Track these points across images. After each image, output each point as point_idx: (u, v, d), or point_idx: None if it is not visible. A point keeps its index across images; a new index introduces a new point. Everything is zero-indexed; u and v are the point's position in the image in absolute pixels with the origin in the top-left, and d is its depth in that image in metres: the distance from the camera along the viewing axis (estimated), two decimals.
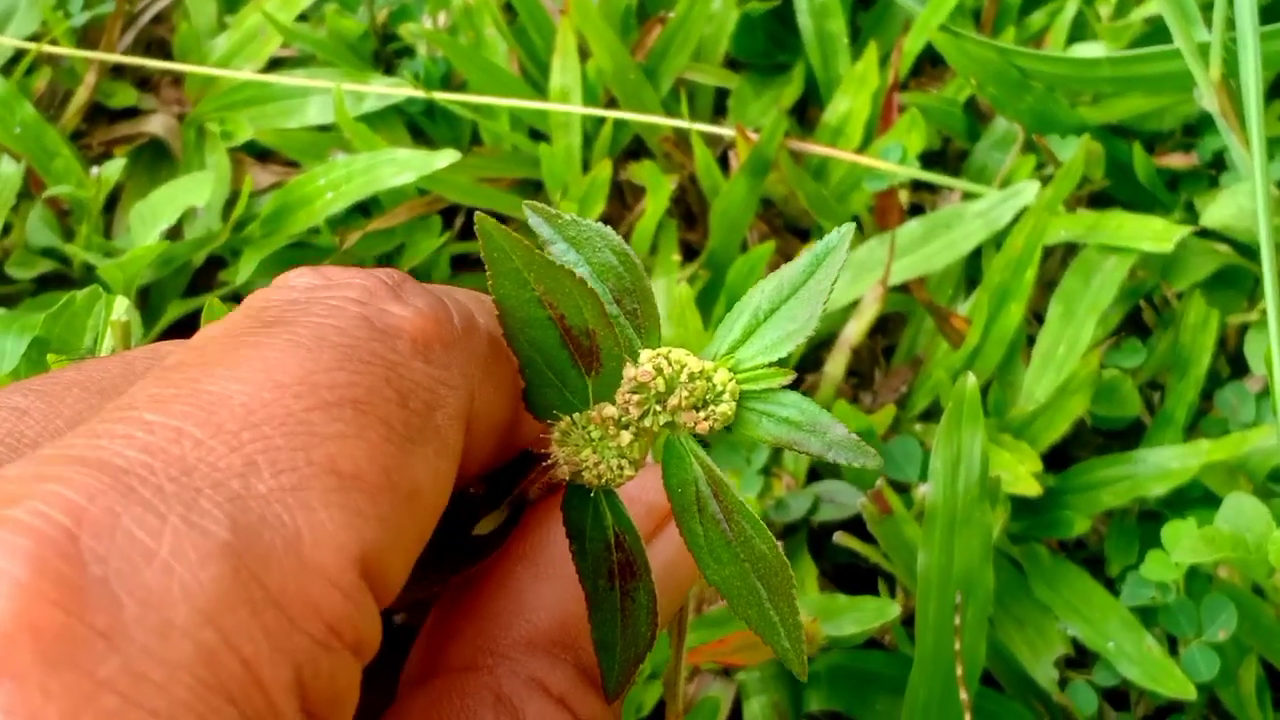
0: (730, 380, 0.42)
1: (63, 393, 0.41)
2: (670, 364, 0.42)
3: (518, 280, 0.41)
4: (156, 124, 1.13)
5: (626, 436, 0.42)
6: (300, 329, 0.37)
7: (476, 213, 0.41)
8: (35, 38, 1.14)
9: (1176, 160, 1.00)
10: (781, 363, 0.42)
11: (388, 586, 0.35)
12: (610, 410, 0.42)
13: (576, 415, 0.42)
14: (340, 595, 0.32)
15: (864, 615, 0.81)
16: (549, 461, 0.42)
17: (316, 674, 0.32)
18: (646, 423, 0.42)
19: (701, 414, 0.42)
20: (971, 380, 0.76)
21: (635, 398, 0.41)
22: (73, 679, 0.28)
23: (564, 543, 0.43)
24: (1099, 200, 1.00)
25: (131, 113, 1.16)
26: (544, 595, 0.43)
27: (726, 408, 0.42)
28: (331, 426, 0.34)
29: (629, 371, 0.41)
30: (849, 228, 0.43)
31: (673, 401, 0.41)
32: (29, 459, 0.32)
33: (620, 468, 0.42)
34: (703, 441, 0.43)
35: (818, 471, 0.92)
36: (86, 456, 0.31)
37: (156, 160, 1.13)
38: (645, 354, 0.42)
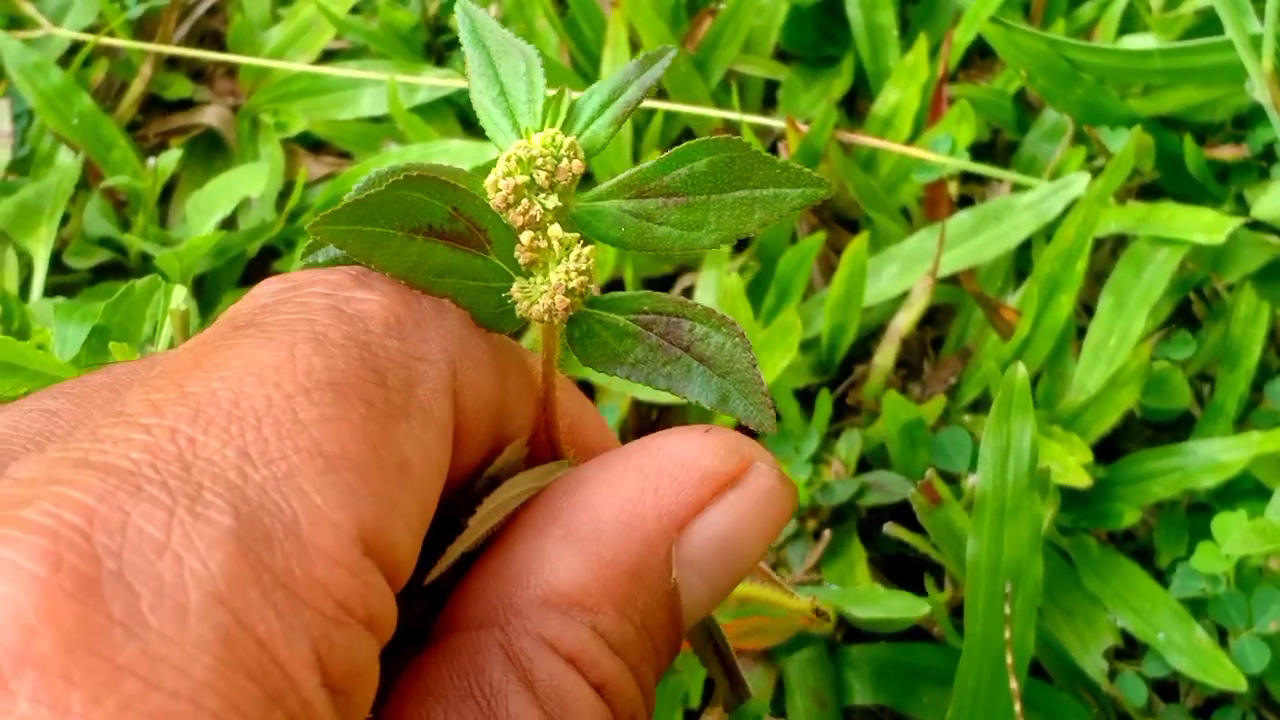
0: (554, 132, 0.43)
1: (92, 395, 0.43)
2: (514, 160, 0.42)
3: (382, 247, 0.42)
4: (211, 115, 1.14)
5: (555, 230, 0.42)
6: (271, 326, 0.38)
7: (309, 225, 0.42)
8: (92, 30, 1.16)
9: (1227, 152, 0.99)
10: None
11: (397, 562, 0.36)
12: (523, 235, 0.42)
13: (517, 277, 0.43)
14: (345, 572, 0.34)
15: (898, 606, 0.82)
16: (556, 318, 0.43)
17: (333, 649, 0.33)
18: (546, 209, 0.42)
19: (565, 161, 0.42)
20: (1022, 370, 0.76)
21: (522, 206, 0.42)
22: (94, 665, 0.29)
23: (593, 505, 0.44)
24: (1148, 192, 0.99)
25: (186, 104, 1.18)
26: (565, 556, 0.43)
27: (571, 140, 0.43)
28: (313, 411, 0.35)
29: (494, 197, 0.42)
30: (673, 50, 0.45)
31: (543, 176, 0.42)
32: (35, 460, 0.33)
33: (581, 258, 0.42)
34: None
35: (868, 461, 0.93)
36: (92, 460, 0.32)
37: (211, 151, 1.14)
38: (490, 178, 0.43)
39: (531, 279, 0.43)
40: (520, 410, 0.46)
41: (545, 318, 0.43)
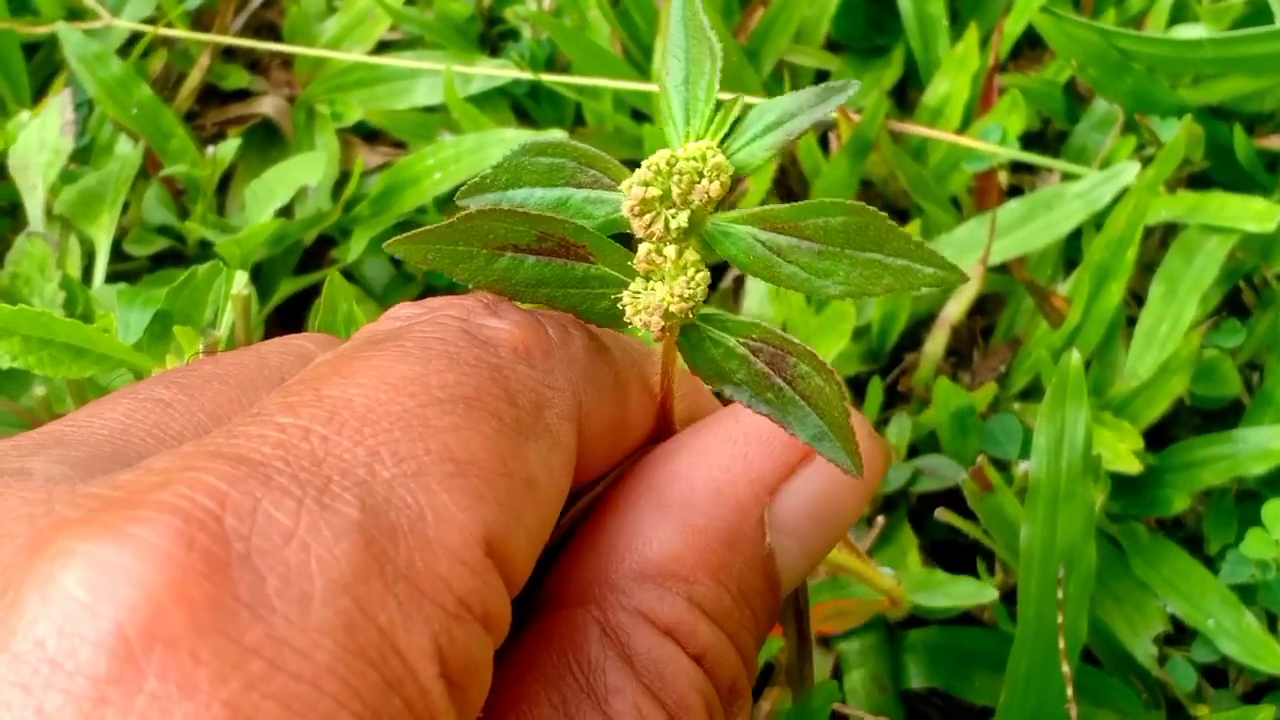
0: (699, 144, 0.43)
1: (203, 386, 0.44)
2: (652, 170, 0.42)
3: (465, 263, 0.43)
4: (267, 105, 1.16)
5: (671, 250, 0.42)
6: (407, 342, 0.39)
7: (386, 244, 0.43)
8: (151, 21, 1.17)
9: (1277, 142, 0.99)
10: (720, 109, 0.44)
11: (514, 571, 0.37)
12: (642, 248, 0.43)
13: (631, 284, 0.43)
14: (467, 570, 0.34)
15: (962, 592, 0.83)
16: (655, 334, 0.43)
17: (452, 642, 0.34)
18: (674, 227, 0.42)
19: (705, 181, 0.42)
20: (1076, 357, 0.77)
21: (648, 218, 0.42)
22: (221, 644, 0.30)
23: (684, 474, 0.44)
24: (1196, 182, 1.00)
25: (243, 94, 1.19)
26: (659, 527, 0.44)
27: (716, 160, 0.42)
28: (445, 419, 0.36)
29: (626, 205, 0.42)
30: (856, 84, 0.44)
31: (678, 191, 0.42)
32: (172, 453, 0.35)
33: (692, 280, 0.43)
34: None
35: (916, 447, 0.93)
36: (225, 451, 0.34)
37: (267, 141, 1.16)
38: (627, 181, 0.43)
39: (646, 286, 0.43)
40: (641, 421, 0.47)
41: (642, 329, 0.43)
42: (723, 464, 0.45)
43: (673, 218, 0.42)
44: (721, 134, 0.43)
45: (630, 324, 0.43)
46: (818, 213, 0.41)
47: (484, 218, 0.42)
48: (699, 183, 0.42)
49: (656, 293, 0.43)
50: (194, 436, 0.42)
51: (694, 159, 0.42)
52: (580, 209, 0.44)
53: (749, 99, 0.44)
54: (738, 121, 0.43)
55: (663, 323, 0.43)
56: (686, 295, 0.42)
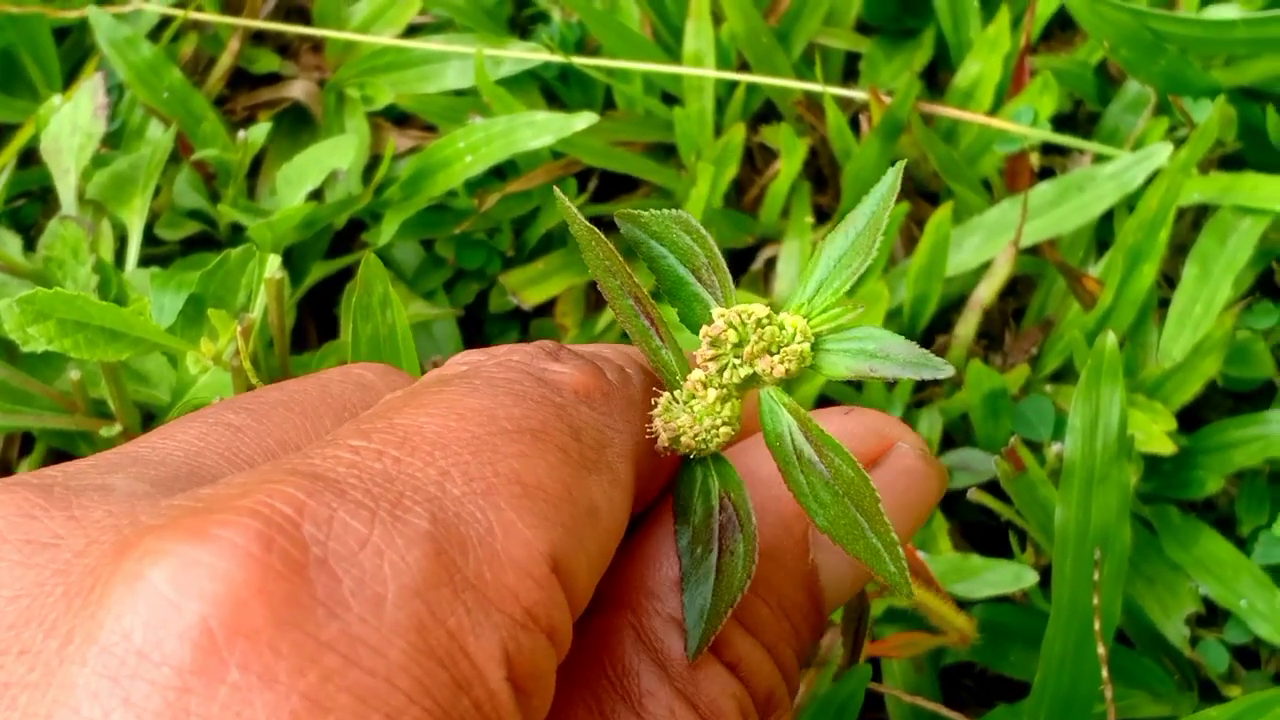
0: (800, 321, 0.44)
1: (269, 411, 0.46)
2: (740, 316, 0.44)
3: (594, 251, 0.45)
4: (298, 89, 1.16)
5: (712, 394, 0.44)
6: (475, 380, 0.41)
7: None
8: (181, 4, 1.17)
9: None
10: (850, 296, 0.44)
11: (576, 591, 0.38)
12: (695, 374, 0.44)
13: (675, 391, 0.45)
14: (533, 583, 0.36)
15: (1001, 578, 0.83)
16: (651, 434, 0.45)
17: (519, 649, 0.35)
18: (727, 376, 0.44)
19: (777, 358, 0.43)
20: (1111, 339, 0.77)
21: (712, 353, 0.44)
22: (299, 639, 0.31)
23: None
24: (1228, 163, 0.99)
25: (273, 79, 1.19)
26: None
27: (799, 348, 0.43)
28: (513, 448, 0.38)
29: (703, 331, 0.44)
30: (901, 164, 0.45)
31: (747, 350, 0.43)
32: (251, 471, 0.36)
33: (714, 429, 0.44)
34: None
35: (952, 438, 0.93)
36: (301, 469, 0.35)
37: (297, 125, 1.16)
38: (716, 311, 0.44)
39: (683, 404, 0.45)
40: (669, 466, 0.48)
41: (661, 450, 0.45)
42: (767, 479, 0.46)
43: (734, 367, 0.44)
44: (828, 326, 0.44)
45: (654, 429, 0.45)
46: (839, 453, 0.42)
47: (594, 244, 0.45)
48: (773, 355, 0.43)
49: (681, 418, 0.44)
50: (264, 460, 0.43)
51: (782, 329, 0.44)
52: (691, 296, 0.46)
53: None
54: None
55: (669, 446, 0.44)
56: (701, 437, 0.44)
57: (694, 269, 0.46)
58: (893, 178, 0.45)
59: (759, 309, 0.44)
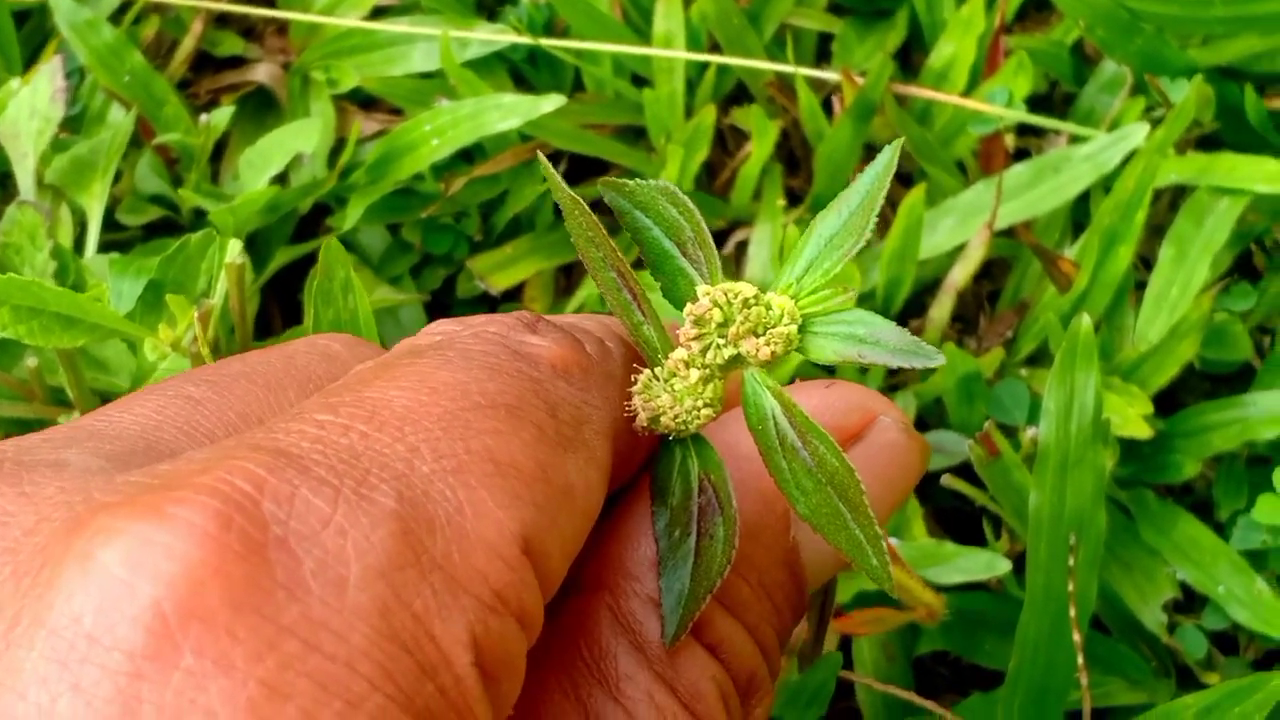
0: (787, 303, 0.43)
1: (231, 384, 0.45)
2: (726, 295, 0.42)
3: (577, 220, 0.44)
4: (262, 72, 1.14)
5: (695, 374, 0.43)
6: (449, 352, 0.40)
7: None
8: None
9: None
10: (839, 280, 0.43)
11: (548, 574, 0.37)
12: (678, 353, 0.43)
13: (655, 369, 0.44)
14: (504, 564, 0.34)
15: (974, 565, 0.82)
16: (629, 412, 0.43)
17: (487, 633, 0.34)
18: (711, 357, 0.43)
19: (762, 340, 0.42)
20: (1086, 321, 0.76)
21: (696, 332, 0.43)
22: (257, 623, 0.30)
23: None
24: (1206, 143, 0.98)
25: (237, 62, 1.17)
26: None
27: (786, 329, 0.42)
28: (486, 423, 0.36)
29: (688, 309, 0.43)
30: (898, 142, 0.44)
31: (732, 331, 0.42)
32: (211, 447, 0.35)
33: (695, 409, 0.43)
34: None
35: (925, 422, 0.92)
36: (264, 444, 0.34)
37: (262, 108, 1.14)
38: (702, 289, 0.43)
39: (664, 383, 0.44)
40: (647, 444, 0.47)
41: (639, 429, 0.44)
42: (747, 455, 0.44)
43: (719, 348, 0.43)
44: (816, 309, 0.43)
45: (632, 406, 0.44)
46: (823, 440, 0.41)
47: (578, 214, 0.44)
48: (759, 337, 0.42)
49: (662, 398, 0.43)
50: (224, 434, 0.42)
51: (769, 310, 0.43)
52: (676, 271, 0.45)
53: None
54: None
55: (648, 426, 0.43)
56: (681, 419, 0.43)
57: (679, 243, 0.45)
58: (889, 155, 0.43)
59: (746, 288, 0.43)
